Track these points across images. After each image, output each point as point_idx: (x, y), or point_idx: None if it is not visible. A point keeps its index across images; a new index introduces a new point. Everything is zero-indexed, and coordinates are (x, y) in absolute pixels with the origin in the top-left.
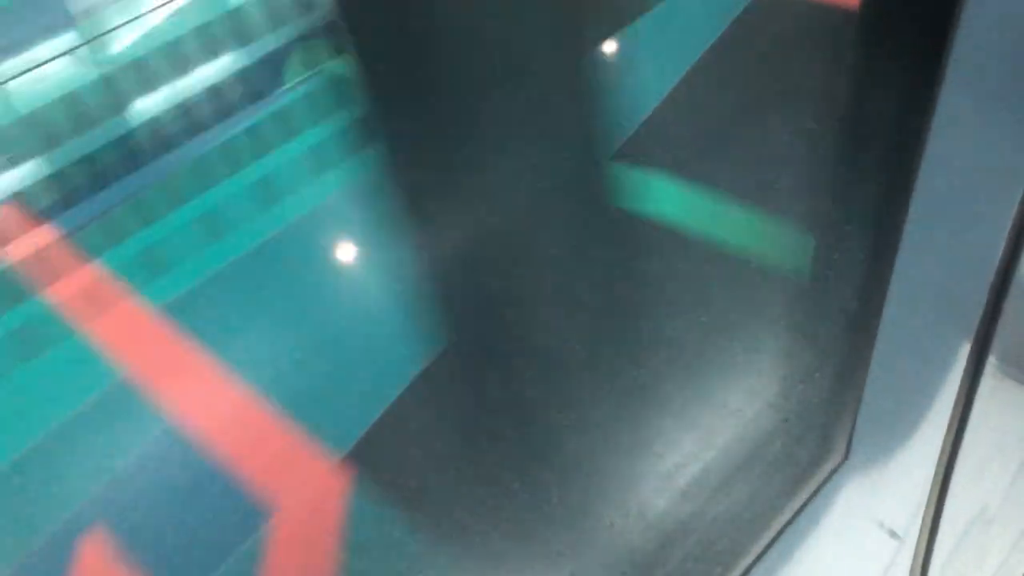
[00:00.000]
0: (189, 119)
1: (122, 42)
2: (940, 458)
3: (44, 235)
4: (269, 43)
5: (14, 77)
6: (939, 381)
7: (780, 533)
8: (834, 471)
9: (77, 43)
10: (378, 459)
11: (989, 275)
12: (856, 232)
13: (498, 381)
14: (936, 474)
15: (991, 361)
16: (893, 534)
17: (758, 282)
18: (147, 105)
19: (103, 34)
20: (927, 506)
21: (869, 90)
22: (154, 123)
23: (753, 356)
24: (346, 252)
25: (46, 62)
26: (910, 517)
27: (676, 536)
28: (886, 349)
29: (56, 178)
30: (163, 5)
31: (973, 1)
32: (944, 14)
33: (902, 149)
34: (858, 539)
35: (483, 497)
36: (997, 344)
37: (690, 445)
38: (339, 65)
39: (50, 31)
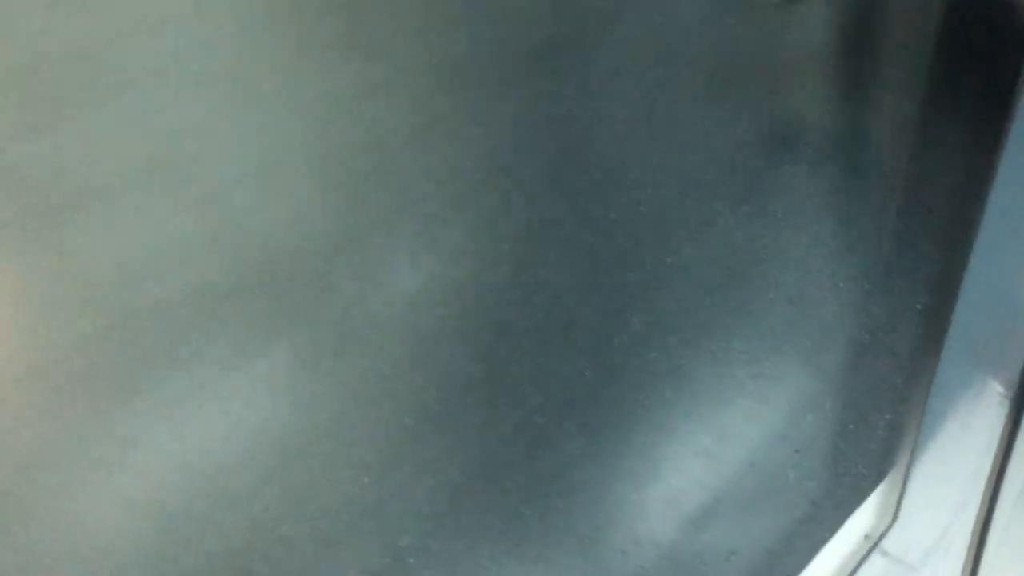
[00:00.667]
0: None
1: None
2: (980, 508)
3: None
4: None
5: None
6: (982, 435)
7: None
8: (883, 535)
9: None
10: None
11: None
12: (917, 270)
13: (505, 408)
14: (976, 522)
15: None
16: None
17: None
18: None
19: None
20: (967, 557)
21: (933, 122)
22: None
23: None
24: None
25: None
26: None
27: (691, 568)
28: (939, 397)
29: None
30: None
31: None
32: (1013, 69)
33: (966, 187)
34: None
35: (491, 523)
36: None
37: (709, 476)
38: None
39: None
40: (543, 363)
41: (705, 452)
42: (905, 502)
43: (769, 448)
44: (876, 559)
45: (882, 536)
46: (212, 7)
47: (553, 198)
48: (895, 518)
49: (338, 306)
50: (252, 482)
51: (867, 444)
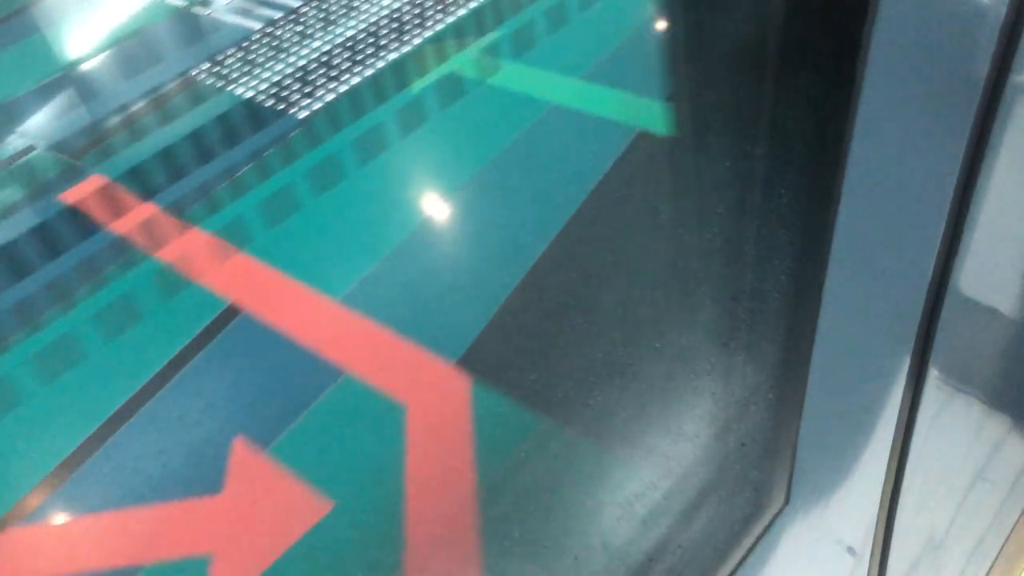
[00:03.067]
0: None
1: None
2: (887, 473)
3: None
4: None
5: None
6: (881, 396)
7: (742, 561)
8: (781, 510)
9: None
10: None
11: (923, 284)
12: (783, 250)
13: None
14: (885, 488)
15: (932, 373)
16: (851, 551)
17: (704, 306)
18: None
19: None
20: (878, 522)
21: (787, 107)
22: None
23: (705, 380)
24: None
25: None
26: (866, 533)
27: (642, 567)
28: (824, 366)
29: None
30: None
31: (885, 12)
32: (857, 22)
33: (823, 163)
34: (817, 556)
35: (441, 533)
36: (937, 355)
37: (650, 473)
38: None
39: None
40: (486, 366)
41: (653, 450)
42: (795, 480)
43: (715, 442)
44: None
45: (778, 514)
46: None
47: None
48: (787, 499)
49: None
50: None
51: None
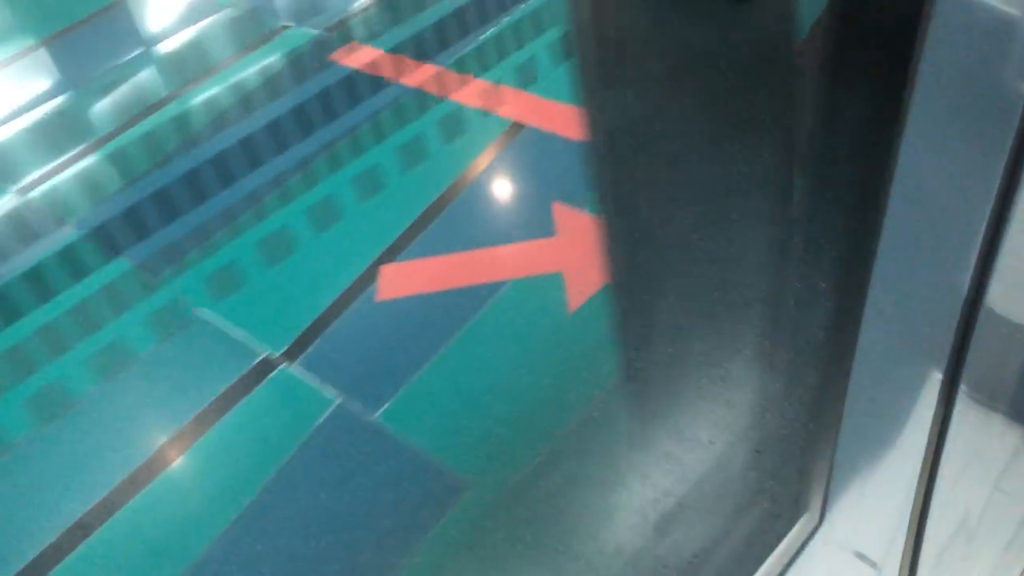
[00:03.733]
0: None
1: None
2: (917, 489)
3: None
4: None
5: None
6: (914, 414)
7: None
8: (816, 527)
9: None
10: None
11: (958, 302)
12: (826, 263)
13: (471, 416)
14: (915, 503)
15: (962, 389)
16: (871, 564)
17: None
18: None
19: None
20: (907, 535)
21: (834, 118)
22: None
23: (725, 388)
24: None
25: None
26: (887, 545)
27: (655, 574)
28: (862, 384)
29: None
30: None
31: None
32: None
33: (869, 179)
34: (836, 569)
35: (456, 537)
36: (968, 372)
37: (664, 479)
38: None
39: None
40: (499, 370)
41: (667, 456)
42: (831, 495)
43: (730, 450)
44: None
45: (815, 530)
46: None
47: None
48: (823, 516)
49: None
50: None
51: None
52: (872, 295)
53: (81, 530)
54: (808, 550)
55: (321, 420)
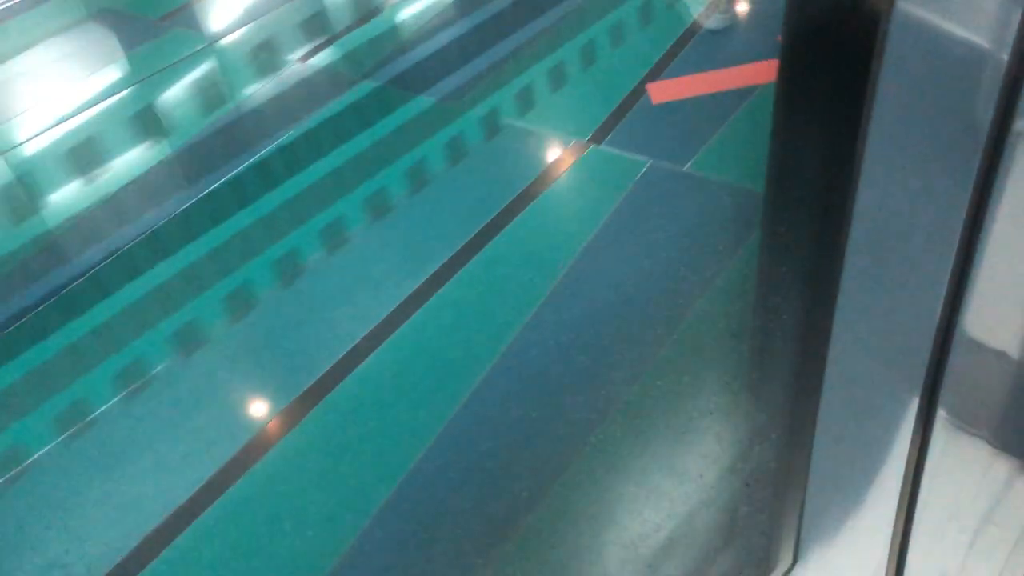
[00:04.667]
0: None
1: None
2: (896, 524)
3: None
4: None
5: None
6: (889, 447)
7: None
8: (790, 569)
9: None
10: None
11: (931, 327)
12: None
13: (455, 455)
14: (894, 541)
15: (940, 414)
16: None
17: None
18: None
19: None
20: (887, 567)
21: (793, 154)
22: None
23: (709, 420)
24: None
25: None
26: None
27: None
28: (831, 419)
29: None
30: None
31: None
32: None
33: (830, 206)
34: None
35: (445, 575)
36: (945, 396)
37: (653, 514)
38: None
39: None
40: (489, 407)
41: (657, 491)
42: (804, 535)
43: (720, 483)
44: None
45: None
46: None
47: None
48: (795, 558)
49: None
50: None
51: None
52: (836, 331)
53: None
54: None
55: (639, 175)
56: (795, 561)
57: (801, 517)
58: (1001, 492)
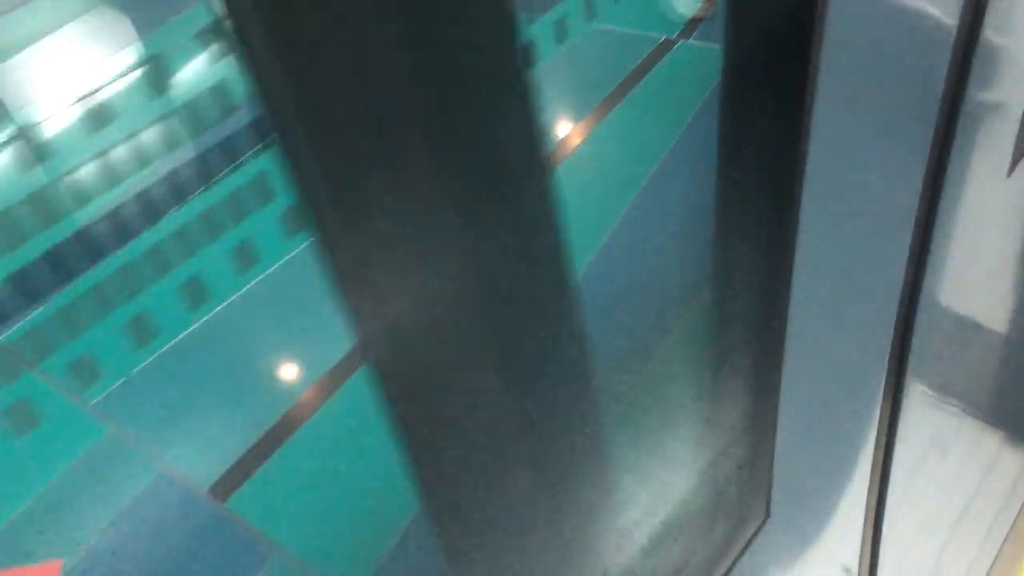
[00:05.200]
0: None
1: None
2: (871, 486)
3: None
4: None
5: None
6: (859, 408)
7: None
8: (762, 524)
9: None
10: None
11: (895, 295)
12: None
13: (447, 448)
14: (869, 501)
15: (912, 384)
16: (846, 570)
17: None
18: None
19: None
20: (864, 536)
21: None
22: None
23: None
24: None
25: None
26: (856, 549)
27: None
28: (795, 380)
29: None
30: None
31: (832, 32)
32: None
33: (782, 180)
34: (806, 573)
35: (442, 572)
36: (915, 366)
37: (647, 500)
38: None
39: None
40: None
41: (650, 477)
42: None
43: (712, 467)
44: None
45: (758, 529)
46: None
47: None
48: (767, 513)
49: None
50: None
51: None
52: (797, 292)
53: None
54: (759, 549)
55: None
56: (767, 516)
57: (771, 473)
58: (979, 457)
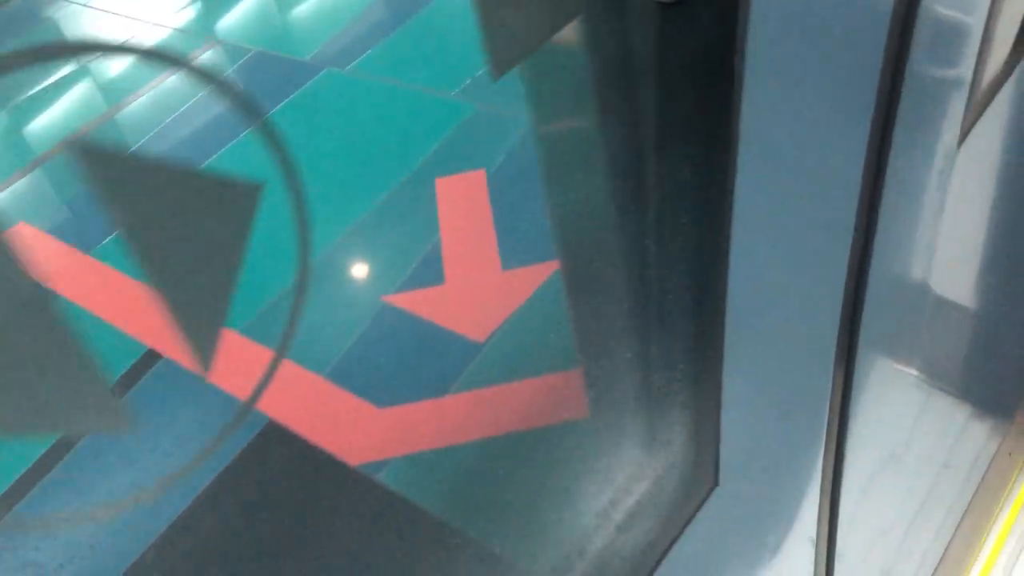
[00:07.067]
0: None
1: None
2: (827, 455)
3: None
4: None
5: None
6: (808, 378)
7: (674, 540)
8: (711, 491)
9: None
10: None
11: (841, 266)
12: (687, 236)
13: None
14: (825, 470)
15: (865, 354)
16: (812, 541)
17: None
18: None
19: None
20: (821, 505)
21: (673, 104)
22: None
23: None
24: None
25: None
26: (814, 517)
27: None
28: (738, 352)
29: None
30: None
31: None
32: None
33: (716, 161)
34: (765, 541)
35: (425, 555)
36: (867, 337)
37: (623, 479)
38: None
39: None
40: None
41: (629, 460)
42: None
43: (687, 448)
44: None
45: (707, 496)
46: None
47: None
48: (716, 481)
49: None
50: None
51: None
52: (736, 259)
53: None
54: (708, 515)
55: None
56: (715, 483)
57: (718, 441)
58: (943, 427)
